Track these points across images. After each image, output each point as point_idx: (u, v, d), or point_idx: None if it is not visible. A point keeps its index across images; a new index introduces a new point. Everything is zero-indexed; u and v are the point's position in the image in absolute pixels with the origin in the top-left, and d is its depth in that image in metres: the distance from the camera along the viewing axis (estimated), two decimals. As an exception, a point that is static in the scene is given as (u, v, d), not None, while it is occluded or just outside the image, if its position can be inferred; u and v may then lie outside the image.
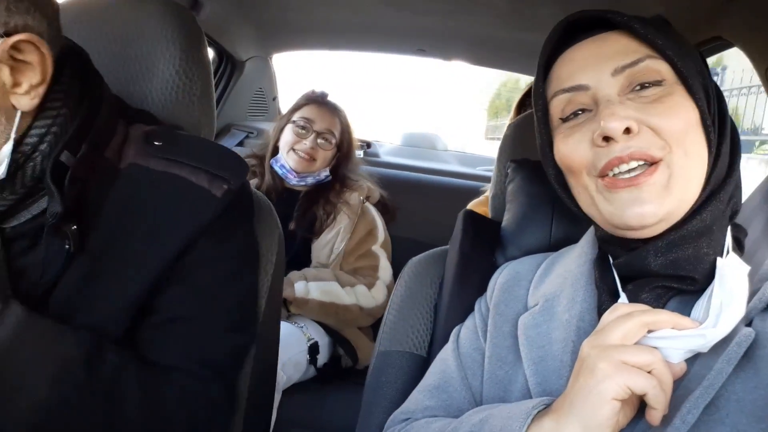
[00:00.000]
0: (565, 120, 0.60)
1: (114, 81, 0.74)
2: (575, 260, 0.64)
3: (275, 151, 1.66)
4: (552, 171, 0.64)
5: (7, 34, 0.54)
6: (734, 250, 0.55)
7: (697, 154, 0.55)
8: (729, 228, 0.56)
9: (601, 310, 0.58)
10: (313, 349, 1.46)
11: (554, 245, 0.75)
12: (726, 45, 1.07)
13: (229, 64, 2.15)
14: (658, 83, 0.55)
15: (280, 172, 1.63)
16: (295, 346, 1.41)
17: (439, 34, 1.84)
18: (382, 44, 2.12)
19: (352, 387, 1.40)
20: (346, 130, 1.68)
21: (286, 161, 1.61)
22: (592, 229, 0.66)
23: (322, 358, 1.48)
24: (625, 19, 0.58)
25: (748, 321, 0.50)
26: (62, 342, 0.56)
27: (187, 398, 0.62)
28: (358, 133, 1.82)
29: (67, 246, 0.58)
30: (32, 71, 0.56)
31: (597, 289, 0.60)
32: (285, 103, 2.60)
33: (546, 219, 0.78)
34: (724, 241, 0.55)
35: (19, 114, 0.57)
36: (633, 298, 0.56)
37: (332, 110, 1.66)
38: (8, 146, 0.56)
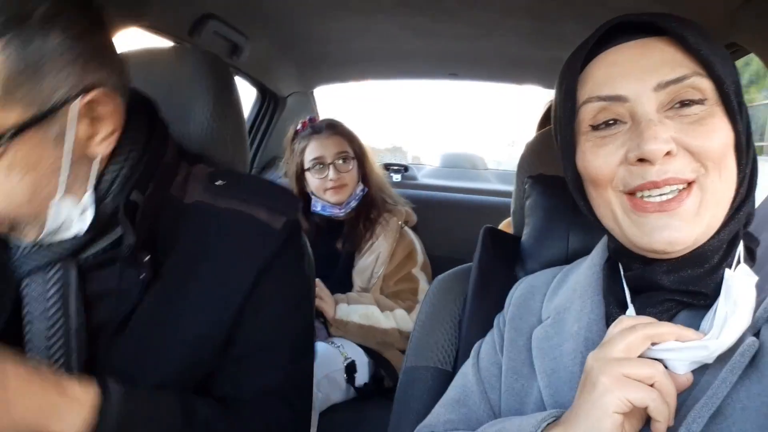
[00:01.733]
0: (595, 128, 0.57)
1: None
2: (585, 272, 0.65)
3: (307, 199, 1.69)
4: (571, 175, 0.61)
5: (85, 91, 0.58)
6: (746, 260, 0.55)
7: (729, 177, 0.54)
8: (741, 238, 0.56)
9: (609, 321, 0.59)
10: (350, 368, 1.48)
11: (571, 257, 0.77)
12: (742, 52, 1.05)
13: (272, 101, 2.25)
14: (700, 102, 0.53)
15: (325, 213, 1.67)
16: (330, 364, 1.44)
17: (470, 58, 1.88)
18: (416, 71, 2.17)
19: (391, 404, 1.42)
20: (351, 139, 1.70)
21: (325, 200, 1.66)
22: (603, 239, 0.67)
23: (360, 377, 1.51)
24: (675, 27, 0.54)
25: (755, 330, 0.50)
26: (160, 406, 0.60)
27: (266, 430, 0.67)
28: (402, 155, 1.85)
29: (143, 275, 0.63)
30: (107, 122, 0.61)
31: (605, 300, 0.61)
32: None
33: (563, 232, 0.79)
34: (736, 252, 0.55)
35: (98, 162, 0.62)
36: (641, 311, 0.57)
37: (331, 132, 1.68)
38: (89, 194, 0.62)
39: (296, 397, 0.71)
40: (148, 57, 0.88)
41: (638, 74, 0.54)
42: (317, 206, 1.67)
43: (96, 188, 0.63)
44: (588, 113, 0.57)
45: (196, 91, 0.82)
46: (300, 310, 0.73)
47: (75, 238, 0.62)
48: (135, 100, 0.69)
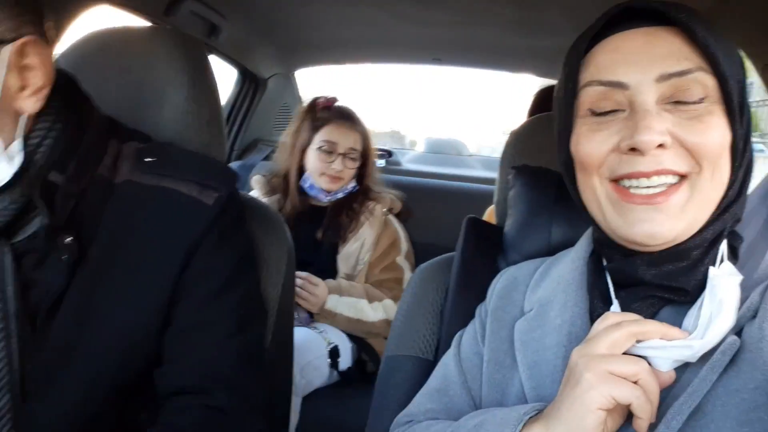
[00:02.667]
0: (594, 113, 0.56)
1: (128, 108, 0.79)
2: (568, 265, 0.65)
3: (301, 170, 1.68)
4: (564, 157, 0.61)
5: (18, 37, 0.58)
6: (729, 258, 0.55)
7: (721, 178, 0.53)
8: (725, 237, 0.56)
9: (593, 316, 0.59)
10: (334, 353, 1.48)
11: (554, 249, 0.76)
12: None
13: (253, 83, 2.21)
14: (700, 100, 0.52)
15: (311, 192, 1.66)
16: (314, 350, 1.44)
17: (453, 44, 1.86)
18: (399, 56, 2.15)
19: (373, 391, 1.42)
20: (366, 139, 1.70)
21: (317, 183, 1.64)
22: (588, 232, 0.67)
23: (344, 362, 1.51)
24: (685, 18, 0.52)
25: (738, 329, 0.50)
26: None
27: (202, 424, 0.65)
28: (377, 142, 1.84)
29: (64, 257, 0.62)
30: (37, 74, 0.60)
31: (589, 294, 0.61)
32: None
33: (545, 224, 0.79)
34: (719, 249, 0.55)
35: (24, 117, 0.61)
36: (625, 306, 0.56)
37: (351, 124, 1.67)
38: (17, 143, 0.60)
39: (238, 378, 0.69)
40: (122, 36, 0.85)
41: (642, 63, 0.53)
42: (306, 183, 1.66)
43: (24, 146, 0.62)
44: (588, 97, 0.56)
45: (171, 74, 0.80)
46: (239, 285, 0.71)
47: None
48: (59, 78, 0.67)
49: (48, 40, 0.62)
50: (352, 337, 1.57)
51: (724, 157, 0.53)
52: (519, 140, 0.91)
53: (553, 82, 2.17)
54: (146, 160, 0.70)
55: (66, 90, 0.68)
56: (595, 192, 0.57)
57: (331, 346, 1.48)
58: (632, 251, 0.56)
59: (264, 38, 1.91)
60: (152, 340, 0.67)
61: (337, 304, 1.51)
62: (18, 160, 0.61)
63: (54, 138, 0.64)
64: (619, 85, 0.54)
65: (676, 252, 0.54)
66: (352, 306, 1.53)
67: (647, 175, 0.52)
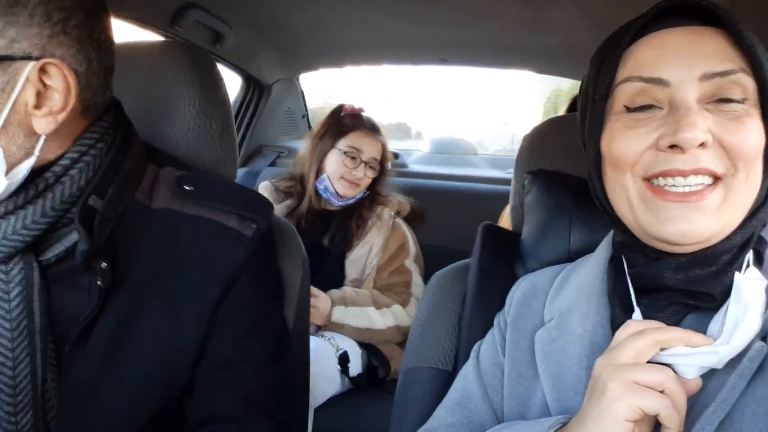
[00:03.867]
0: (630, 110, 0.55)
1: (139, 122, 0.78)
2: (589, 272, 0.64)
3: (318, 172, 1.69)
4: (593, 155, 0.59)
5: (43, 57, 0.58)
6: (754, 263, 0.54)
7: (755, 181, 0.53)
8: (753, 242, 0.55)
9: (614, 324, 0.58)
10: (344, 359, 1.48)
11: (573, 256, 0.75)
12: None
13: (257, 89, 2.21)
14: (742, 100, 0.52)
15: (324, 195, 1.67)
16: (324, 359, 1.43)
17: (459, 43, 1.85)
18: (404, 57, 2.14)
19: (387, 397, 1.41)
20: (385, 150, 1.72)
21: (333, 186, 1.64)
22: (607, 238, 0.66)
23: (354, 367, 1.50)
24: (732, 20, 0.52)
25: (764, 334, 0.49)
26: None
27: None
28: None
29: (99, 282, 0.61)
30: (55, 98, 0.60)
31: (610, 303, 0.60)
32: (314, 119, 2.65)
33: (564, 230, 0.78)
34: (746, 255, 0.54)
35: (43, 138, 0.60)
36: (647, 313, 0.55)
37: (376, 135, 1.70)
38: (29, 161, 0.60)
39: (275, 406, 0.69)
40: (131, 51, 0.84)
41: (686, 61, 0.52)
42: (321, 185, 1.67)
43: (54, 164, 0.62)
44: (625, 93, 0.55)
45: (181, 87, 0.79)
46: (272, 316, 0.72)
47: (24, 227, 0.60)
48: (111, 103, 0.68)
49: (85, 74, 0.62)
50: (361, 343, 1.56)
51: (758, 161, 0.52)
52: (533, 143, 0.90)
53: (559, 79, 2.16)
54: (186, 188, 0.70)
55: (114, 114, 0.68)
56: (627, 190, 0.56)
57: (341, 352, 1.48)
58: (659, 255, 0.55)
59: (268, 44, 1.90)
60: (186, 372, 0.66)
61: (344, 315, 1.51)
62: (17, 181, 0.60)
63: (93, 157, 0.64)
64: (660, 82, 0.53)
65: (705, 256, 0.53)
66: (360, 315, 1.52)
67: (684, 174, 0.51)
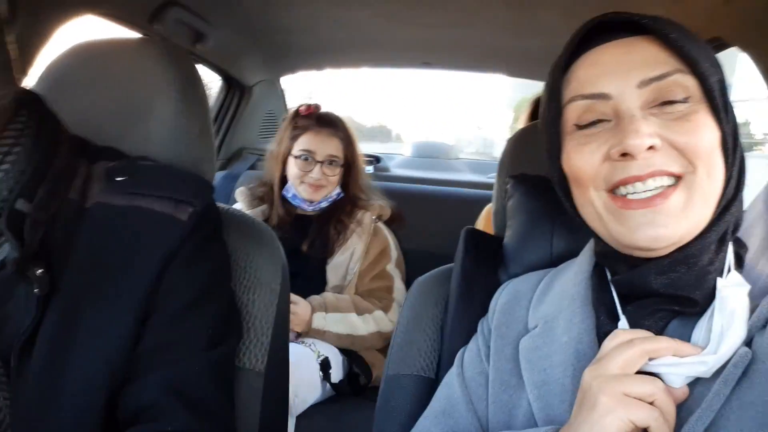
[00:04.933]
0: (581, 127, 0.57)
1: (116, 123, 0.76)
2: (572, 279, 0.64)
3: (283, 180, 1.66)
4: (557, 176, 0.61)
5: None
6: (735, 267, 0.54)
7: (717, 175, 0.53)
8: (730, 244, 0.55)
9: (600, 332, 0.58)
10: (325, 365, 1.45)
11: (556, 260, 0.75)
12: (724, 46, 1.06)
13: (238, 90, 2.18)
14: (684, 100, 0.53)
15: (293, 202, 1.64)
16: (305, 366, 1.40)
17: (444, 46, 1.85)
18: (387, 60, 2.14)
19: (369, 405, 1.39)
20: (348, 144, 1.66)
21: (298, 192, 1.62)
22: (590, 245, 0.66)
23: (335, 374, 1.48)
24: (658, 26, 0.54)
25: (748, 339, 0.49)
26: None
27: None
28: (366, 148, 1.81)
29: (36, 290, 0.58)
30: None
31: (595, 310, 0.60)
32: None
33: (546, 234, 0.77)
34: (726, 258, 0.54)
35: None
36: (633, 320, 0.55)
37: (330, 131, 1.64)
38: None
39: (202, 393, 0.65)
40: (107, 49, 0.81)
41: (621, 72, 0.54)
42: (289, 193, 1.64)
43: None
44: (573, 112, 0.57)
45: (159, 87, 0.77)
46: (211, 299, 0.68)
47: None
48: (26, 99, 0.63)
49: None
50: (342, 350, 1.54)
51: (716, 155, 0.53)
52: (516, 148, 0.90)
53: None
54: (117, 179, 0.67)
55: (31, 110, 0.64)
56: (593, 204, 0.57)
57: (322, 357, 1.45)
58: (638, 262, 0.55)
59: (250, 45, 1.88)
60: (126, 364, 0.63)
61: (325, 322, 1.48)
62: None
63: (12, 163, 0.60)
64: (602, 96, 0.55)
65: (683, 257, 0.53)
66: (341, 321, 1.50)
67: (641, 179, 0.52)
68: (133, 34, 1.33)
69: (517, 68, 2.04)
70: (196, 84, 0.80)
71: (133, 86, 0.77)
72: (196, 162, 0.80)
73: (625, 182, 0.53)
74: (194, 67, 0.81)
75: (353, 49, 1.99)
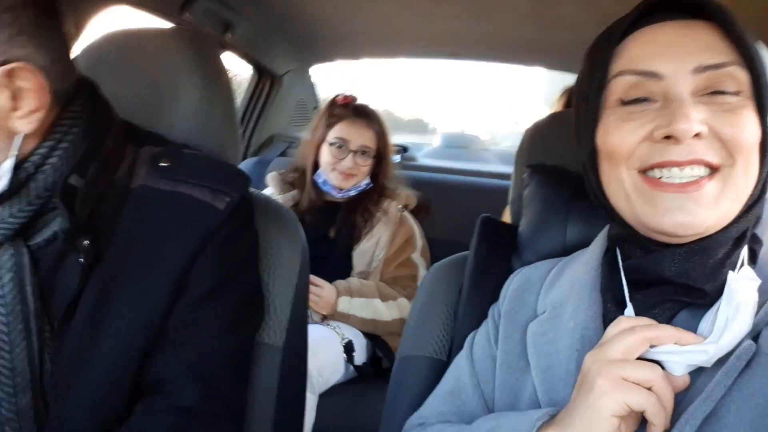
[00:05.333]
0: (625, 103, 0.55)
1: (143, 110, 0.80)
2: (582, 266, 0.64)
3: (316, 166, 1.70)
4: (588, 149, 0.59)
5: (6, 62, 0.59)
6: (748, 262, 0.54)
7: (752, 173, 0.53)
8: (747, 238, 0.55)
9: (606, 319, 0.58)
10: (349, 348, 1.48)
11: (569, 249, 0.75)
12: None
13: (268, 79, 2.22)
14: (736, 93, 0.52)
15: (323, 188, 1.67)
16: (329, 347, 1.44)
17: (470, 38, 1.84)
18: (415, 50, 2.13)
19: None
20: (382, 137, 1.69)
21: (329, 179, 1.65)
22: (603, 233, 0.66)
23: (359, 356, 1.51)
24: (724, 13, 0.53)
25: (755, 334, 0.49)
26: None
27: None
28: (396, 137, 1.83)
29: (81, 259, 0.64)
30: (29, 98, 0.61)
31: (603, 298, 0.60)
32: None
33: (561, 223, 0.78)
34: (741, 253, 0.54)
35: (21, 136, 0.62)
36: (640, 309, 0.56)
37: (366, 122, 1.67)
38: (8, 162, 0.62)
39: (222, 377, 0.69)
40: (137, 38, 0.85)
41: (678, 54, 0.53)
42: (320, 178, 1.67)
43: (25, 162, 0.63)
44: (619, 86, 0.55)
45: (184, 75, 0.80)
46: (238, 285, 0.72)
47: (11, 215, 0.62)
48: (82, 84, 0.69)
49: (52, 69, 0.63)
50: (367, 334, 1.57)
51: (755, 153, 0.52)
52: (534, 137, 0.89)
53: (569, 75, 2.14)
54: (161, 164, 0.71)
55: (87, 96, 0.69)
56: (623, 183, 0.56)
57: (346, 340, 1.48)
58: (655, 247, 0.55)
59: (279, 34, 1.90)
60: (155, 338, 0.67)
61: (350, 306, 1.51)
62: (5, 180, 0.62)
63: (65, 148, 0.65)
64: (654, 75, 0.53)
65: (701, 248, 0.53)
66: (366, 306, 1.52)
67: (680, 165, 0.51)
68: (165, 24, 1.37)
69: (542, 60, 2.01)
70: (219, 72, 0.82)
71: (160, 75, 0.81)
72: (220, 148, 0.83)
73: (662, 165, 0.52)
74: (218, 55, 0.84)
75: (380, 39, 1.99)
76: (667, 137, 0.51)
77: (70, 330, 0.64)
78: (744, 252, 0.54)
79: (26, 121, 0.62)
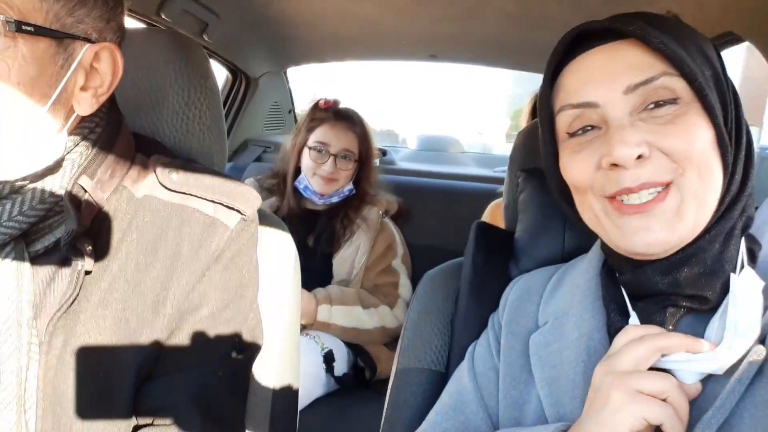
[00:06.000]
0: (572, 135, 0.57)
1: (126, 113, 0.76)
2: (583, 275, 0.63)
3: (297, 171, 1.66)
4: (555, 184, 0.62)
5: (101, 41, 0.61)
6: (748, 263, 0.53)
7: (712, 175, 0.52)
8: (743, 240, 0.54)
9: (610, 329, 0.57)
10: (329, 358, 1.45)
11: (568, 255, 0.75)
12: (737, 40, 1.04)
13: (243, 81, 2.18)
14: (673, 101, 0.52)
15: (305, 194, 1.64)
16: (308, 357, 1.40)
17: (450, 39, 1.84)
18: (393, 52, 2.12)
19: (375, 397, 1.39)
20: (364, 140, 1.65)
21: (311, 184, 1.62)
22: (599, 241, 0.66)
23: (339, 367, 1.48)
24: (638, 31, 0.53)
25: (763, 337, 0.49)
26: None
27: None
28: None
29: (81, 265, 0.60)
30: (102, 80, 0.62)
31: (605, 306, 0.59)
32: (301, 113, 2.62)
33: (559, 229, 0.77)
34: (737, 255, 0.53)
35: (72, 118, 0.61)
36: (643, 316, 0.55)
37: (347, 125, 1.64)
38: (63, 134, 0.61)
39: (224, 401, 0.67)
40: None
41: (607, 79, 0.54)
42: (301, 184, 1.64)
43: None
44: (564, 121, 0.57)
45: (170, 78, 0.76)
46: (241, 307, 0.70)
47: (21, 214, 0.59)
48: None
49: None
50: (348, 343, 1.53)
51: (710, 155, 0.52)
52: (528, 141, 0.89)
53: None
54: (172, 177, 0.68)
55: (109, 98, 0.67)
56: (593, 209, 0.57)
57: (326, 350, 1.45)
58: (642, 263, 0.55)
59: (255, 36, 1.87)
60: (154, 361, 0.64)
61: (330, 314, 1.48)
62: (58, 153, 0.60)
63: (91, 141, 0.64)
64: (590, 105, 0.54)
65: (686, 257, 0.53)
66: (346, 314, 1.49)
67: (633, 190, 0.52)
68: (139, 24, 1.32)
69: (523, 61, 2.02)
70: (206, 74, 0.79)
71: (144, 77, 0.77)
72: (208, 153, 0.79)
73: (619, 194, 0.53)
74: (206, 57, 0.80)
75: (359, 41, 1.97)
76: (615, 164, 0.52)
77: (59, 344, 0.60)
78: (742, 254, 0.53)
79: (90, 102, 0.62)
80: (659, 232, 0.51)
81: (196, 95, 0.77)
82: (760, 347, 0.47)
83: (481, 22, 1.57)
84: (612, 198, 0.54)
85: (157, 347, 0.63)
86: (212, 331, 0.66)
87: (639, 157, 0.51)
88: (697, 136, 0.51)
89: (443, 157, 2.65)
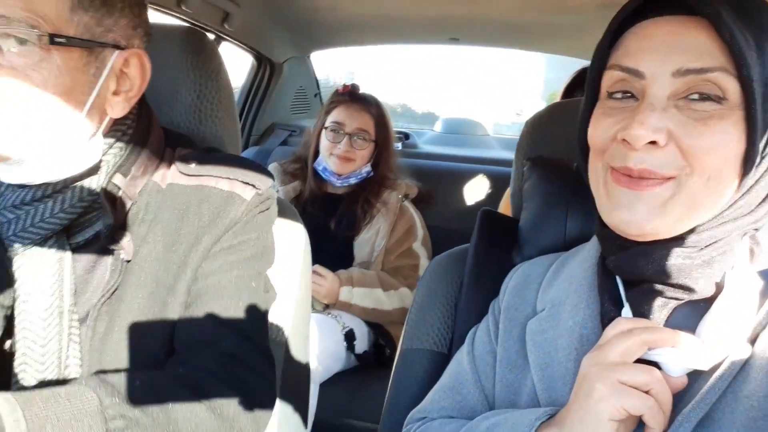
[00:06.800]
0: (611, 95, 0.55)
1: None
2: (580, 264, 0.64)
3: (316, 154, 1.71)
4: (581, 138, 0.60)
5: (130, 47, 0.65)
6: (748, 263, 0.53)
7: (719, 186, 0.50)
8: (745, 239, 0.53)
9: (604, 318, 0.58)
10: (350, 336, 1.50)
11: (569, 243, 0.75)
12: None
13: (268, 67, 2.21)
14: (718, 99, 0.49)
15: (323, 175, 1.68)
16: (329, 336, 1.45)
17: (471, 22, 1.82)
18: (414, 36, 2.11)
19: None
20: (380, 122, 1.69)
21: (328, 164, 1.66)
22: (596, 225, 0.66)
23: (360, 345, 1.53)
24: (713, 11, 0.48)
25: (753, 337, 0.49)
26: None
27: (227, 370, 0.66)
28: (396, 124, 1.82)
29: (121, 256, 0.66)
30: (131, 84, 0.66)
31: (600, 296, 0.60)
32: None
33: (561, 218, 0.77)
34: (735, 253, 0.53)
35: (108, 119, 0.66)
36: (635, 306, 0.55)
37: (362, 106, 1.67)
38: (99, 137, 0.65)
39: (254, 327, 0.71)
40: None
41: (663, 54, 0.50)
42: (319, 165, 1.69)
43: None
44: (609, 78, 0.55)
45: (182, 73, 0.80)
46: (258, 260, 0.74)
47: (62, 210, 0.64)
48: None
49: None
50: (368, 322, 1.58)
51: (728, 166, 0.49)
52: (535, 129, 0.89)
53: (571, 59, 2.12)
54: (190, 163, 0.73)
55: (141, 98, 0.72)
56: (597, 176, 0.56)
57: (347, 329, 1.50)
58: (628, 243, 0.55)
59: (277, 22, 1.89)
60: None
61: (351, 295, 1.53)
62: (96, 156, 0.65)
63: (126, 142, 0.68)
64: (636, 73, 0.52)
65: (668, 246, 0.52)
66: (367, 296, 1.54)
67: (632, 173, 0.51)
68: (161, 16, 1.36)
69: (543, 44, 1.99)
70: (218, 67, 0.82)
71: (156, 73, 0.80)
72: (222, 145, 0.83)
73: (620, 170, 0.52)
74: (216, 50, 0.83)
75: (381, 25, 1.97)
76: (626, 141, 0.51)
77: (104, 327, 0.65)
78: (741, 253, 0.53)
79: (123, 105, 0.66)
80: (638, 215, 0.51)
81: (207, 89, 0.80)
82: (746, 346, 0.48)
83: (499, 5, 1.55)
84: (614, 170, 0.54)
85: (180, 309, 0.68)
86: (231, 275, 0.70)
87: (653, 142, 0.49)
88: (723, 147, 0.49)
89: (468, 140, 2.63)
